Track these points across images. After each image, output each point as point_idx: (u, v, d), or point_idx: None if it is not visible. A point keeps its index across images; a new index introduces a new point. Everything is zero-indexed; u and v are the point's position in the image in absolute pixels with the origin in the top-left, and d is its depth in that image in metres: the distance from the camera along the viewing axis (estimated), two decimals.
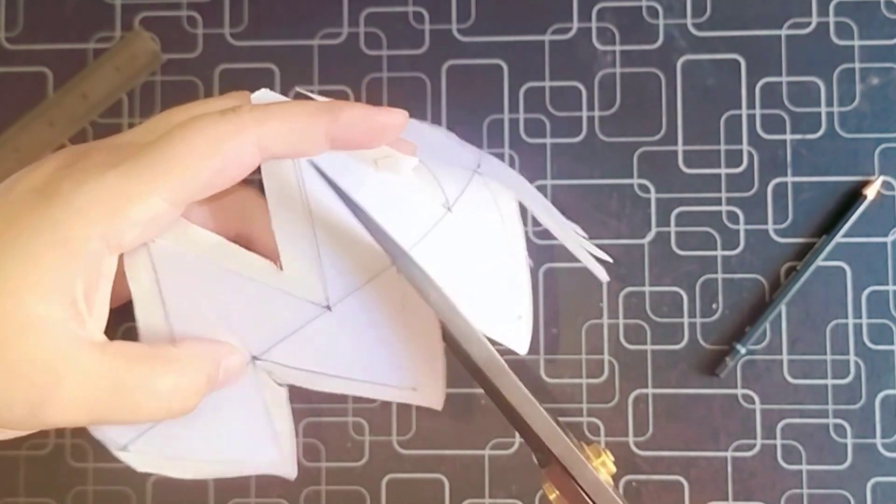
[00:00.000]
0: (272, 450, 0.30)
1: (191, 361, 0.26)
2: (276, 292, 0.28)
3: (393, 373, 0.29)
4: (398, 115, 0.27)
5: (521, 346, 0.31)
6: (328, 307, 0.28)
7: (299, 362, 0.29)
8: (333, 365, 0.29)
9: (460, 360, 0.28)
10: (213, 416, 0.29)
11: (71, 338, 0.23)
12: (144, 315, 0.27)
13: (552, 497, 0.27)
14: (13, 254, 0.22)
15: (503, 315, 0.31)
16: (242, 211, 0.29)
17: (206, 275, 0.28)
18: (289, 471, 0.30)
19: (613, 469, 0.27)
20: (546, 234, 0.37)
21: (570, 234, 0.34)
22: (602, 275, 0.34)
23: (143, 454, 0.29)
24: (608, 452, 0.27)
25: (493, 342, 0.27)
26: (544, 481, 0.27)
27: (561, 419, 0.28)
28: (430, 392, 0.30)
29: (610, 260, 0.35)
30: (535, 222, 0.37)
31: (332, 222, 0.28)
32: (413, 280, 0.26)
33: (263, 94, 0.28)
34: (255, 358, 0.28)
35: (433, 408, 0.30)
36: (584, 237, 0.36)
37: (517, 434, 0.37)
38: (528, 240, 0.36)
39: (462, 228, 0.30)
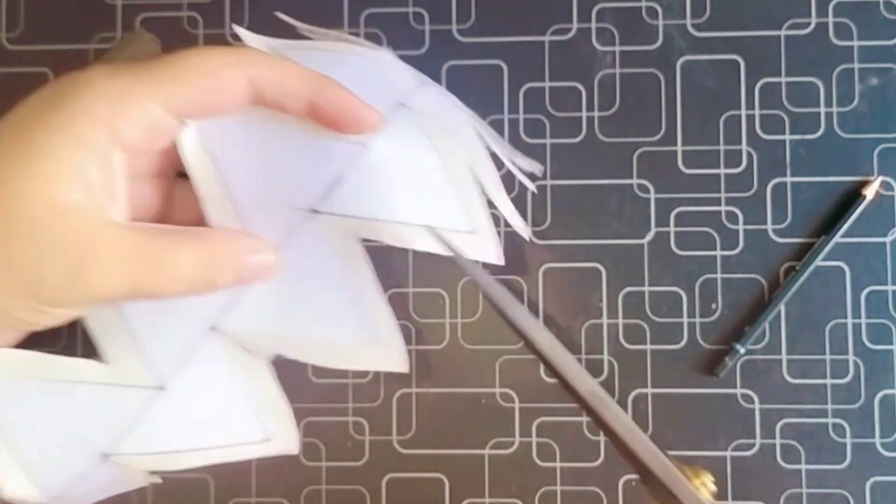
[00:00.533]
0: None
1: (210, 238, 0.28)
2: (107, 388, 0.29)
3: (242, 429, 0.30)
4: (373, 115, 0.28)
5: (489, 257, 0.31)
6: (161, 387, 0.29)
7: (151, 447, 0.29)
8: (184, 440, 0.29)
9: (562, 388, 0.29)
10: None
11: (96, 218, 0.26)
12: None
13: None
14: (35, 152, 0.25)
15: (449, 232, 0.30)
16: None
17: (35, 395, 0.28)
18: None
19: (714, 488, 0.28)
20: (546, 233, 0.37)
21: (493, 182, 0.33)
22: (524, 232, 0.34)
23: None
24: (707, 473, 0.28)
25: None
26: (647, 499, 0.29)
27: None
28: (284, 438, 0.30)
29: (539, 169, 0.36)
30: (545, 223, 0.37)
31: (142, 304, 0.29)
32: (521, 327, 0.28)
33: (248, 36, 0.30)
34: (105, 455, 0.29)
35: (290, 453, 0.31)
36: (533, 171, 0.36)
37: (517, 433, 0.37)
38: (528, 240, 0.36)
39: (383, 161, 0.29)
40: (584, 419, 0.37)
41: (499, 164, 0.34)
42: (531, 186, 0.36)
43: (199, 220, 0.31)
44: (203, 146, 0.29)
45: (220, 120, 0.28)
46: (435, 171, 0.30)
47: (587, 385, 0.28)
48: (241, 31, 0.31)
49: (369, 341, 0.30)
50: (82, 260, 0.25)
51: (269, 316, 0.29)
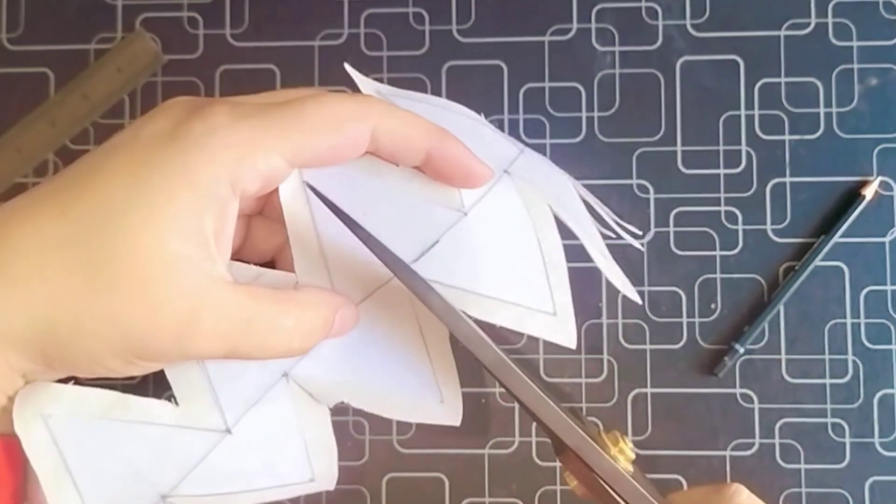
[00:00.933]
0: None
1: (311, 304, 0.27)
2: (176, 430, 0.29)
3: (292, 471, 0.30)
4: (486, 170, 0.28)
5: (565, 340, 0.31)
6: (228, 430, 0.29)
7: (207, 489, 0.29)
8: (239, 482, 0.30)
9: (477, 361, 0.28)
10: None
11: (206, 275, 0.24)
12: (53, 493, 0.28)
13: (573, 485, 0.27)
14: (150, 194, 0.24)
15: (531, 311, 0.31)
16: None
17: (106, 434, 0.28)
18: None
19: (632, 455, 0.27)
20: None
21: (597, 245, 0.33)
22: (633, 295, 0.32)
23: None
24: (626, 439, 0.27)
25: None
26: (564, 470, 0.27)
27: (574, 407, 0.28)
28: (325, 477, 0.31)
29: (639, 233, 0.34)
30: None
31: None
32: (415, 290, 0.27)
33: (361, 81, 0.30)
34: (164, 497, 0.29)
35: (328, 489, 0.31)
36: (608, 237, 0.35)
37: (517, 433, 0.37)
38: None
39: (479, 230, 0.30)
40: None
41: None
42: (638, 245, 0.35)
43: (273, 254, 0.31)
44: (303, 195, 0.28)
45: (325, 169, 0.28)
46: (528, 246, 0.30)
47: (488, 354, 0.27)
48: (356, 75, 0.31)
49: (431, 398, 0.30)
50: (190, 322, 0.24)
51: (337, 365, 0.30)
